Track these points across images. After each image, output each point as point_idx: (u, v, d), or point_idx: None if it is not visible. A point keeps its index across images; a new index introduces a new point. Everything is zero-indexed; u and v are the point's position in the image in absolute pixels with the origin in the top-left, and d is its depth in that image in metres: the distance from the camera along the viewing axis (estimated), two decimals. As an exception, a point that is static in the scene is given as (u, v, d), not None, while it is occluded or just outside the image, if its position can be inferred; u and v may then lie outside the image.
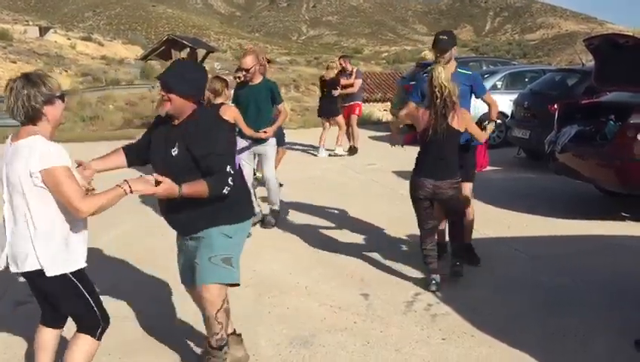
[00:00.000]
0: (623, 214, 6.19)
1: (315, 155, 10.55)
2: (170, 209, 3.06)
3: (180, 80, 2.86)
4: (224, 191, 2.85)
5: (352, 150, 10.68)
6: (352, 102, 10.66)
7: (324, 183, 8.27)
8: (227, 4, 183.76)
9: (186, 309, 3.86)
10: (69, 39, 66.95)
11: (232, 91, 6.18)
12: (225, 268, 3.02)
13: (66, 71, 48.64)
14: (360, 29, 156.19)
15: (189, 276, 3.16)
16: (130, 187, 2.62)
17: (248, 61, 5.79)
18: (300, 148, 11.28)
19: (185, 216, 3.01)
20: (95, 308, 2.74)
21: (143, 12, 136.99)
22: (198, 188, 2.81)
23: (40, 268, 2.57)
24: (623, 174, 5.55)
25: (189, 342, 3.60)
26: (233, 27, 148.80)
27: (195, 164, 2.86)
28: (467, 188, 4.73)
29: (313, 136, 11.29)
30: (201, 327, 3.38)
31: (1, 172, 2.62)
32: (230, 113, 5.37)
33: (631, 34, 7.71)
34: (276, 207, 6.28)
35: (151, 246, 5.37)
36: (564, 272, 4.66)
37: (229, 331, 3.24)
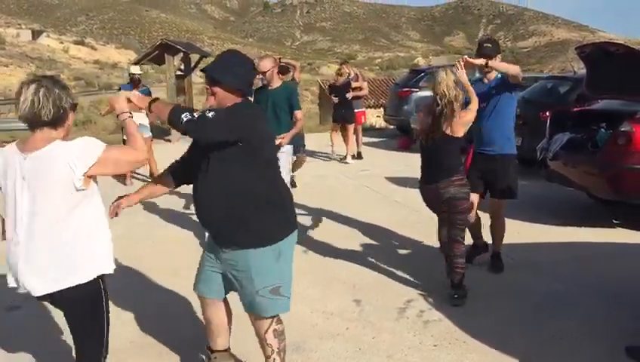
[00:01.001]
0: (614, 221, 6.22)
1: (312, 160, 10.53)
2: (203, 208, 2.79)
3: (225, 72, 2.69)
4: (182, 116, 2.48)
5: (359, 155, 10.91)
6: (360, 110, 11.01)
7: (318, 189, 8.27)
8: (221, 9, 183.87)
9: (188, 310, 3.85)
10: (61, 43, 66.80)
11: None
12: (273, 300, 2.81)
13: (59, 75, 48.49)
14: (354, 35, 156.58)
15: (214, 288, 2.98)
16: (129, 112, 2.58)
17: (266, 64, 5.61)
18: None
19: (221, 223, 2.75)
20: (105, 333, 2.55)
21: (136, 16, 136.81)
22: (165, 106, 2.60)
23: (77, 282, 2.40)
24: (614, 182, 5.58)
25: (190, 346, 3.58)
26: (227, 32, 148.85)
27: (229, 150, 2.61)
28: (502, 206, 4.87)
29: (308, 141, 11.26)
30: (201, 330, 3.36)
31: (6, 188, 2.40)
32: None
33: (622, 42, 7.77)
34: None
35: (151, 243, 5.35)
36: (557, 278, 4.68)
37: (222, 347, 3.18)
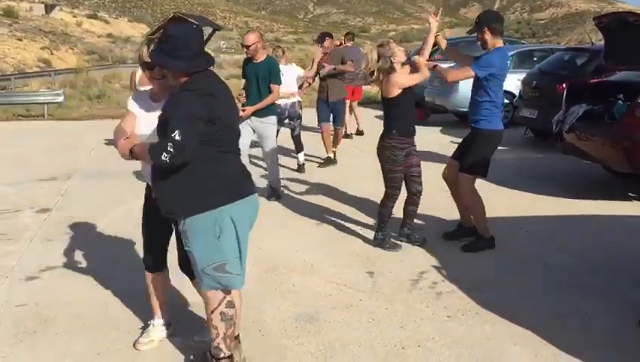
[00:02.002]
0: (630, 194, 6.17)
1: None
2: (152, 183, 2.89)
3: (165, 56, 2.69)
4: (162, 158, 2.48)
5: (360, 133, 10.82)
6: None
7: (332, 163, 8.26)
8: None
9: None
10: (74, 17, 66.75)
11: None
12: (219, 277, 2.74)
13: (72, 49, 48.57)
14: (367, 7, 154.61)
15: (186, 267, 3.09)
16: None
17: (250, 38, 6.01)
18: (307, 127, 11.23)
19: (159, 193, 2.77)
20: None
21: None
22: (145, 151, 2.61)
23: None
24: (632, 154, 5.52)
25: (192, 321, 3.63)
26: (239, 5, 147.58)
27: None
28: (461, 179, 4.75)
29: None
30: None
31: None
32: None
33: (642, 12, 7.60)
34: (275, 186, 6.40)
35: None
36: (570, 252, 4.67)
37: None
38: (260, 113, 6.06)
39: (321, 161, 8.32)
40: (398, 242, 4.91)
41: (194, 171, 2.63)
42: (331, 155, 8.24)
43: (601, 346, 3.24)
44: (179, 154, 2.48)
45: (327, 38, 8.28)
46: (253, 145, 6.61)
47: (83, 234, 5.22)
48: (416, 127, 4.95)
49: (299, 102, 7.88)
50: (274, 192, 6.41)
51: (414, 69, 4.65)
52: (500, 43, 4.57)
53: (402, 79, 4.59)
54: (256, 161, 7.79)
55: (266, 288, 4.09)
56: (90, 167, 8.20)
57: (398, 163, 4.74)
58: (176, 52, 2.62)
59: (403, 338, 3.38)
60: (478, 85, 4.58)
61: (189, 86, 2.63)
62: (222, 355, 2.86)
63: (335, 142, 8.42)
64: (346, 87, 10.12)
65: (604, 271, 4.28)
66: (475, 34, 4.64)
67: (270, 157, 6.31)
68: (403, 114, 4.71)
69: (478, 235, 4.79)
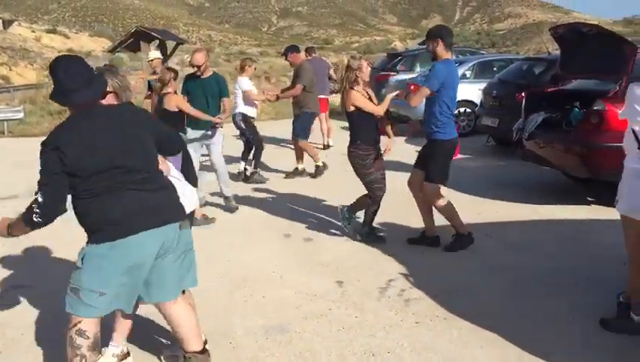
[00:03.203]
0: (589, 199, 6.37)
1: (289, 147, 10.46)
2: None
3: (58, 93, 2.76)
4: (35, 220, 2.59)
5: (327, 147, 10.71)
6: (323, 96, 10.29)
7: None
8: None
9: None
10: (33, 32, 65.46)
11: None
12: (72, 299, 2.70)
13: (32, 64, 47.56)
14: (330, 19, 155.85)
15: None
16: None
17: (199, 57, 6.28)
18: (273, 139, 11.26)
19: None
20: None
21: (109, 3, 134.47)
22: (20, 221, 2.70)
23: None
24: (588, 160, 5.69)
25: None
26: (202, 18, 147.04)
27: None
28: (427, 188, 4.91)
29: (285, 127, 11.28)
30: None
31: None
32: (174, 101, 5.83)
33: (596, 23, 7.89)
34: (228, 194, 6.47)
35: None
36: (532, 256, 4.79)
37: (193, 348, 2.98)
38: (205, 125, 6.19)
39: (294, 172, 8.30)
40: (382, 235, 5.27)
41: (76, 209, 2.71)
42: (320, 164, 8.19)
43: (565, 346, 3.34)
44: (47, 213, 2.59)
45: (291, 51, 8.31)
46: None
47: (47, 252, 5.13)
48: (382, 137, 5.08)
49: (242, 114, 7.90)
50: (229, 202, 6.45)
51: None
52: (448, 55, 4.81)
53: (358, 100, 4.95)
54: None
55: (235, 301, 4.09)
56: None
57: (367, 166, 5.01)
58: (59, 87, 2.70)
59: (373, 345, 3.42)
60: (431, 98, 4.78)
61: (48, 136, 2.65)
62: None
63: (301, 155, 8.31)
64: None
65: (566, 272, 4.41)
66: (426, 46, 4.89)
67: (219, 165, 6.39)
68: (365, 126, 4.98)
69: (456, 234, 4.98)
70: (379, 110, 5.00)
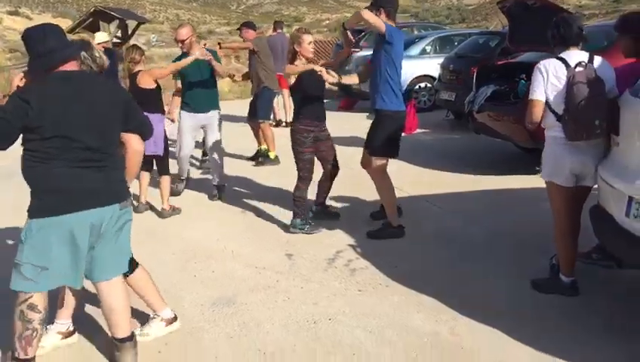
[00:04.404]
0: (537, 168, 6.55)
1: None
2: None
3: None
4: None
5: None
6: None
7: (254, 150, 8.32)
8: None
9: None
10: (-6, 14, 63.53)
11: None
12: (15, 273, 2.76)
13: (-7, 47, 46.30)
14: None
15: None
16: None
17: (184, 32, 5.86)
18: (240, 118, 11.25)
19: None
20: None
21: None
22: None
23: None
24: (533, 131, 5.84)
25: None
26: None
27: None
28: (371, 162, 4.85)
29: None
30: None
31: None
32: (149, 75, 5.53)
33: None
34: (221, 182, 6.18)
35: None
36: (477, 224, 4.97)
37: (121, 334, 2.98)
38: (204, 108, 6.01)
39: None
40: (335, 211, 5.32)
41: (24, 171, 2.76)
42: (272, 156, 7.86)
43: (497, 307, 3.50)
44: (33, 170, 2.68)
45: (244, 28, 8.27)
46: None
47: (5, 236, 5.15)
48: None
49: None
50: (220, 190, 6.18)
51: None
52: (391, 24, 4.65)
53: (290, 69, 4.86)
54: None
55: (185, 276, 4.19)
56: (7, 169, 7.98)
57: (306, 145, 4.90)
58: (30, 52, 2.73)
59: (315, 313, 3.55)
60: (375, 68, 4.69)
61: (23, 89, 2.75)
62: (16, 355, 2.82)
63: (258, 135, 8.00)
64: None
65: (510, 240, 4.58)
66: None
67: (216, 152, 6.15)
68: (307, 99, 4.87)
69: (384, 223, 4.88)
70: (298, 68, 4.79)
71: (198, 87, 5.95)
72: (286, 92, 10.38)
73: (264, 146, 7.85)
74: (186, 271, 4.27)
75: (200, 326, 3.44)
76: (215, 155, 6.15)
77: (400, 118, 4.75)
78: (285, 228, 5.08)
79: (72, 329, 3.27)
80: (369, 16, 4.47)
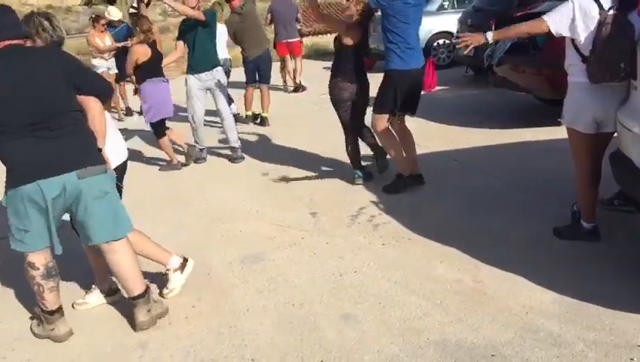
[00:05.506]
0: (559, 120, 6.50)
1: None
2: None
3: None
4: None
5: (302, 88, 10.60)
6: (296, 39, 10.16)
7: (278, 115, 8.39)
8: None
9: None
10: (9, -10, 63.56)
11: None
12: (9, 234, 2.98)
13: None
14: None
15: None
16: None
17: (192, 1, 6.00)
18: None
19: None
20: None
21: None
22: None
23: None
24: (553, 81, 5.81)
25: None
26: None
27: None
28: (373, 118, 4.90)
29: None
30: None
31: None
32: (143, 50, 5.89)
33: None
34: (235, 144, 6.34)
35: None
36: (498, 177, 4.98)
37: (131, 293, 3.14)
38: (203, 66, 6.19)
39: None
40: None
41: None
42: (249, 113, 8.15)
43: (518, 254, 3.56)
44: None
45: None
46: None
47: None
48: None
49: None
50: (236, 153, 6.32)
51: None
52: None
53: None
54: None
55: (212, 236, 4.32)
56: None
57: (345, 99, 4.93)
58: None
59: (341, 266, 3.66)
60: (383, 29, 4.67)
61: None
62: (39, 307, 3.10)
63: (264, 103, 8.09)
64: (278, 44, 10.02)
65: (531, 191, 4.59)
66: None
67: (225, 115, 6.31)
68: (344, 59, 4.92)
69: (397, 175, 4.94)
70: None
71: (197, 48, 6.13)
72: (289, 58, 10.32)
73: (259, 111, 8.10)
74: (213, 232, 4.40)
75: (230, 283, 3.58)
76: (226, 118, 6.31)
77: (399, 76, 4.66)
78: (307, 186, 5.22)
79: (114, 287, 3.45)
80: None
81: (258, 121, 8.16)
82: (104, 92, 3.13)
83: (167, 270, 3.45)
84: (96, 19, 9.06)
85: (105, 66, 8.87)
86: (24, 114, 2.76)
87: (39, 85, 2.80)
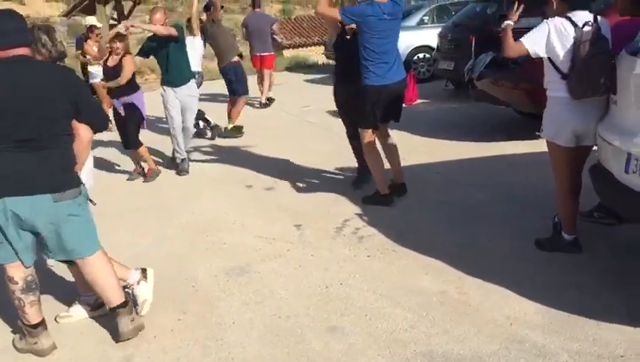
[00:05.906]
0: (537, 133, 6.61)
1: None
2: None
3: None
4: None
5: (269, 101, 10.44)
6: (269, 53, 10.14)
7: (259, 127, 8.41)
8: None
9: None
10: (-15, 0, 62.88)
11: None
12: None
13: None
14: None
15: None
16: None
17: (159, 18, 6.09)
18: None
19: None
20: None
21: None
22: None
23: None
24: (533, 95, 5.91)
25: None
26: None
27: None
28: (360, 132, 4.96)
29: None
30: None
31: None
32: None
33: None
34: (184, 155, 6.51)
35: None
36: (480, 190, 5.04)
37: (111, 304, 3.13)
38: (178, 80, 6.29)
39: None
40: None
41: None
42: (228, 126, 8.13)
43: (502, 266, 3.61)
44: None
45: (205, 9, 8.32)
46: None
47: None
48: None
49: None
50: (180, 162, 6.44)
51: None
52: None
53: None
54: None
55: (197, 249, 4.30)
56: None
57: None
58: None
59: (327, 278, 3.67)
60: (357, 44, 4.64)
61: None
62: (22, 322, 3.06)
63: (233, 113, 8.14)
64: (253, 57, 10.03)
65: (513, 204, 4.65)
66: None
67: (187, 126, 6.51)
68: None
69: (376, 191, 4.95)
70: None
71: (172, 64, 6.23)
72: (267, 72, 10.19)
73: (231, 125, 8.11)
74: (198, 244, 4.38)
75: (216, 295, 3.56)
76: (187, 129, 6.51)
77: (374, 91, 4.66)
78: (292, 197, 5.23)
79: (99, 301, 3.36)
80: (323, 10, 4.62)
81: (223, 130, 8.09)
82: (101, 125, 3.13)
83: (131, 285, 3.37)
84: (90, 29, 9.23)
85: (101, 75, 8.88)
86: (11, 127, 2.71)
87: (45, 105, 2.76)
